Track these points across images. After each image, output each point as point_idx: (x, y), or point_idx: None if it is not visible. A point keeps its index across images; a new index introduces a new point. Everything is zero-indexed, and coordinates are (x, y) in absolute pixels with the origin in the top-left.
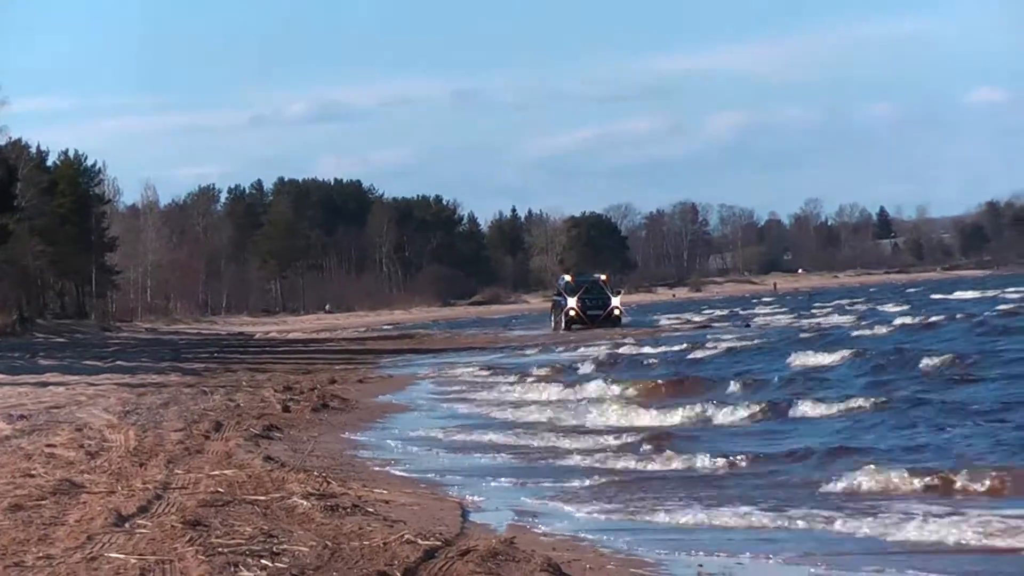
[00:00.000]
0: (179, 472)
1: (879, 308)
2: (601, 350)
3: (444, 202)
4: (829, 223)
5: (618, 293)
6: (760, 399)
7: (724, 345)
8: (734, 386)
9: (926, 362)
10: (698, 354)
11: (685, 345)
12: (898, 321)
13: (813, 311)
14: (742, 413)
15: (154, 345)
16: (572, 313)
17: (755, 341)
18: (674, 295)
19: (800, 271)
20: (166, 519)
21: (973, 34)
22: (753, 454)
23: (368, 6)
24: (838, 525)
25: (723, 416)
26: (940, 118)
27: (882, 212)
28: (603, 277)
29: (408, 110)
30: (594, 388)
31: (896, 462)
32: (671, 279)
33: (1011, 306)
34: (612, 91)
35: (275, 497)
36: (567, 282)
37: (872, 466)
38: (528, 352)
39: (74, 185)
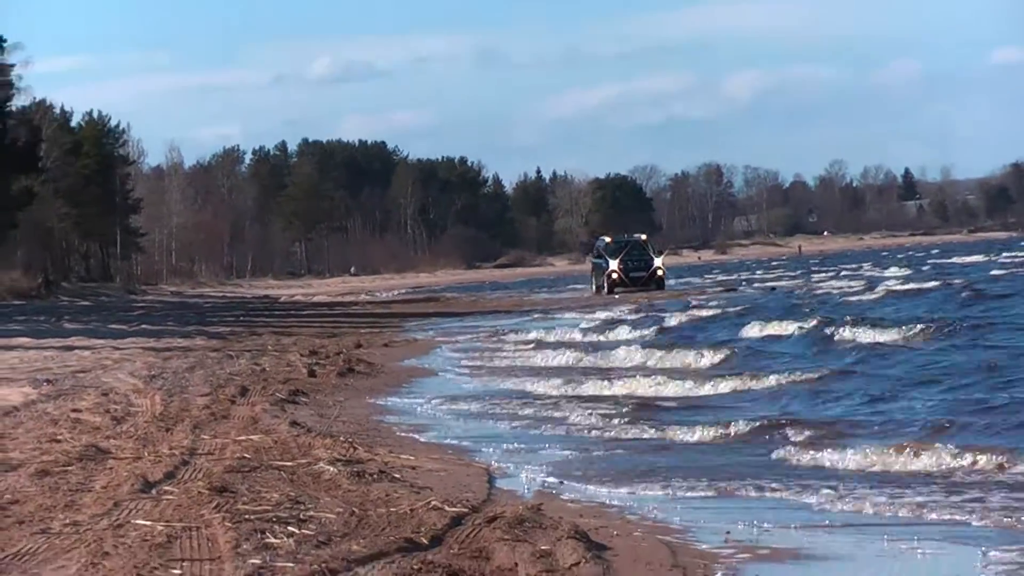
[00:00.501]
0: (205, 438)
1: (883, 272)
2: (600, 316)
3: (468, 163)
4: (854, 184)
5: (660, 253)
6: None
7: (703, 312)
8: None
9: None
10: (672, 322)
11: (667, 312)
12: (887, 286)
13: (813, 275)
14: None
15: (179, 308)
16: (614, 276)
17: (737, 308)
18: (699, 257)
19: (825, 233)
20: (193, 485)
21: None
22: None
23: None
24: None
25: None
26: (964, 79)
27: (907, 174)
28: (643, 237)
29: (431, 70)
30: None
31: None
32: (696, 241)
33: (1002, 272)
34: (633, 50)
35: (301, 463)
36: (607, 243)
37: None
38: (555, 316)
39: (98, 146)
